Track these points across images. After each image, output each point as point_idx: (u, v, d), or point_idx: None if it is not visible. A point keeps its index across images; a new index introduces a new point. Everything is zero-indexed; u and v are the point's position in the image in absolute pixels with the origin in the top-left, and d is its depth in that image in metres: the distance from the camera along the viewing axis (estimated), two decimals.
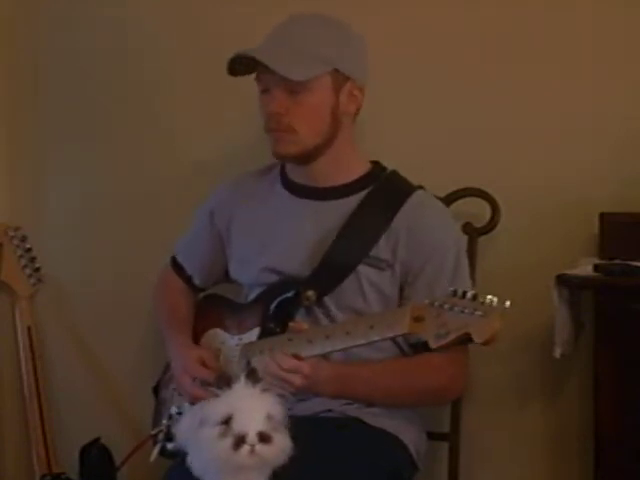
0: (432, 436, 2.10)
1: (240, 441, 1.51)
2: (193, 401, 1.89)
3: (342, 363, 1.84)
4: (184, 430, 1.65)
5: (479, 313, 1.57)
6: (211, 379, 1.88)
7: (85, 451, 2.37)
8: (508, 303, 1.57)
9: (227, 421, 1.52)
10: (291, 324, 1.84)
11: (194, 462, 1.59)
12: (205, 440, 1.54)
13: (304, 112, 1.89)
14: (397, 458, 1.92)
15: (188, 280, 2.17)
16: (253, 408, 1.53)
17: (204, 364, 1.91)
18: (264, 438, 1.51)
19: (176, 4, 2.43)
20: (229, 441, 1.51)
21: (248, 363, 1.85)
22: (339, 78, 1.91)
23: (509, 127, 2.21)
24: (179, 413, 1.95)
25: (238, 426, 1.51)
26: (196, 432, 1.57)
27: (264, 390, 1.56)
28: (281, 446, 1.54)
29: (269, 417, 1.54)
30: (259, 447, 1.51)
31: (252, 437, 1.51)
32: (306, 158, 1.94)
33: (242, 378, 1.56)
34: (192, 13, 2.41)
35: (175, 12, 2.43)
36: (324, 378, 1.81)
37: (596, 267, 1.93)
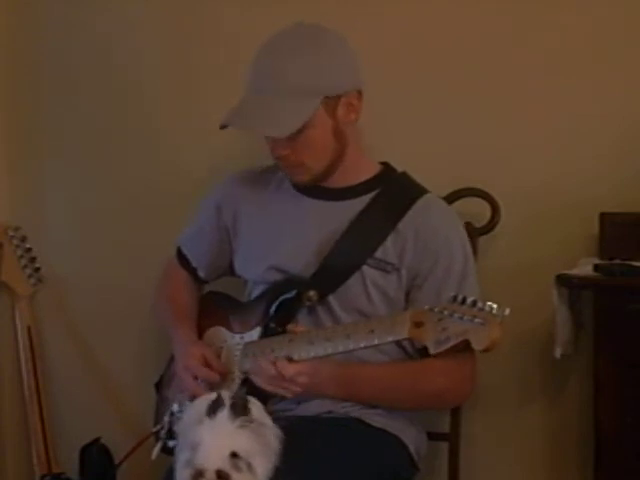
0: (432, 436, 2.10)
1: (198, 475, 1.49)
2: (193, 398, 1.90)
3: (345, 364, 1.83)
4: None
5: (478, 320, 1.57)
6: (213, 378, 1.90)
7: (85, 451, 2.37)
8: (507, 311, 1.56)
9: (195, 449, 1.52)
10: (289, 326, 1.84)
11: None
12: (177, 460, 1.55)
13: (309, 147, 1.89)
14: (397, 458, 1.92)
15: (193, 272, 2.17)
16: (218, 444, 1.52)
17: (206, 363, 1.91)
18: (222, 477, 1.49)
19: (172, 4, 2.44)
20: (189, 472, 1.51)
21: (243, 383, 1.86)
22: (331, 101, 1.88)
23: (509, 127, 2.21)
24: (180, 411, 1.95)
25: (199, 460, 1.50)
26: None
27: (242, 426, 1.54)
28: None
29: (233, 455, 1.51)
30: None
31: (210, 474, 1.49)
32: (321, 178, 1.95)
33: (227, 409, 1.55)
34: (186, 19, 2.42)
35: (169, 17, 2.43)
36: (325, 379, 1.81)
37: (596, 267, 1.93)
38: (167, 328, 2.10)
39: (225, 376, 1.91)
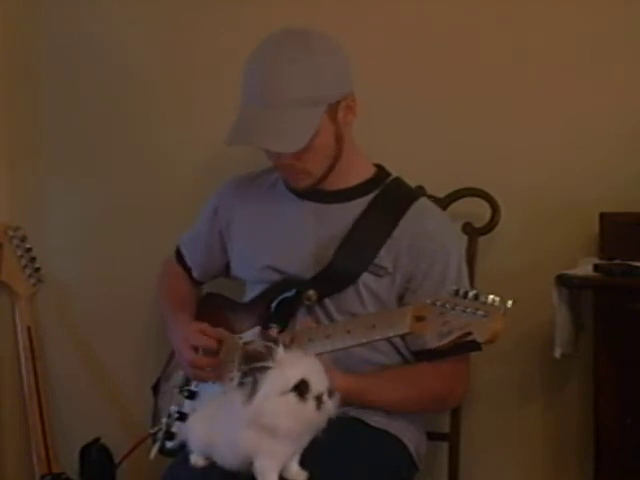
0: (432, 436, 2.10)
1: (320, 401, 1.56)
2: (192, 372, 1.92)
3: (353, 376, 1.83)
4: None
5: (481, 313, 1.57)
6: (213, 346, 1.90)
7: (85, 451, 2.37)
8: (510, 303, 1.57)
9: (299, 386, 1.56)
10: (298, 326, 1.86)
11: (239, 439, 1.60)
12: (282, 408, 1.56)
13: (314, 154, 1.89)
14: (397, 458, 1.92)
15: (188, 271, 2.19)
16: (316, 367, 1.59)
17: (205, 334, 1.92)
18: (331, 393, 1.58)
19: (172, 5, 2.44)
20: (312, 403, 1.56)
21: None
22: (333, 107, 1.88)
23: (509, 127, 2.21)
24: (178, 412, 1.96)
25: (316, 387, 1.57)
26: (255, 407, 1.57)
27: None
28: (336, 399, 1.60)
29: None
30: (328, 402, 1.57)
31: (325, 395, 1.57)
32: (320, 181, 1.95)
33: (280, 347, 1.59)
34: (186, 20, 2.42)
35: (169, 17, 2.44)
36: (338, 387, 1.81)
37: (596, 267, 1.93)
38: (165, 318, 2.10)
39: (222, 343, 1.91)
